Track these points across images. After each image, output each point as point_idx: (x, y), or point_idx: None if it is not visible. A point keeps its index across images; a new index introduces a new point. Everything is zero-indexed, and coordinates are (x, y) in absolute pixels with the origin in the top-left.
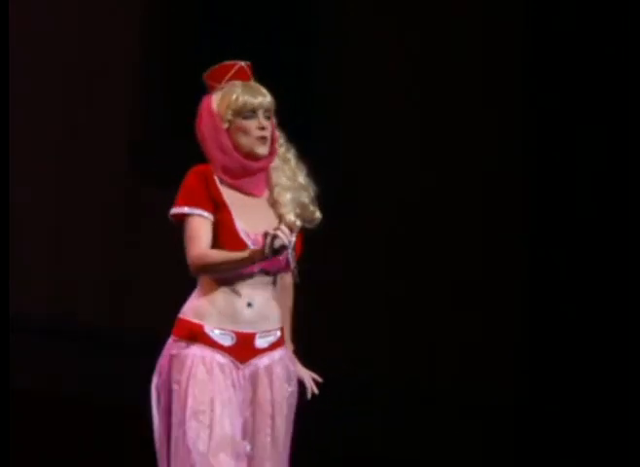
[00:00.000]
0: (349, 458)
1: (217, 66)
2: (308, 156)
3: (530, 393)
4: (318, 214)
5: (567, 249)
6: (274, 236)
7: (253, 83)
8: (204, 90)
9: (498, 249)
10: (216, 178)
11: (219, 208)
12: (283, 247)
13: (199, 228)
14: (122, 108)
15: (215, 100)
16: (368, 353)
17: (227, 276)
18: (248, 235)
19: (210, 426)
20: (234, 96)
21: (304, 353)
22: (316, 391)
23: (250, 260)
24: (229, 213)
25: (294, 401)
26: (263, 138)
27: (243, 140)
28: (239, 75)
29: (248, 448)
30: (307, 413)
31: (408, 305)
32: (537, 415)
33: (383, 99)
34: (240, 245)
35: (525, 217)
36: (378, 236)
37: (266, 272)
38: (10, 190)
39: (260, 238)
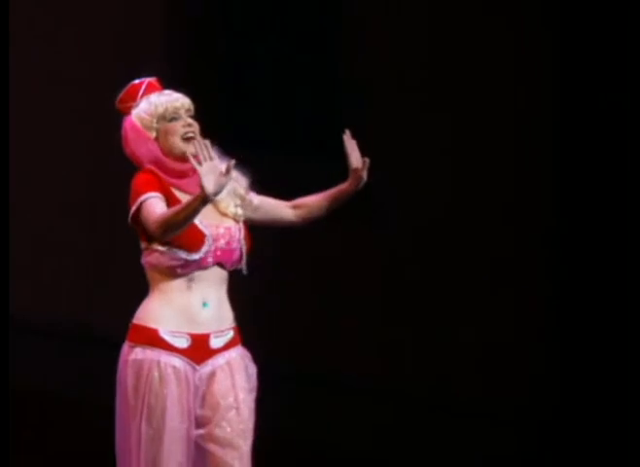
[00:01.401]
0: (349, 458)
1: (126, 89)
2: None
3: (531, 393)
4: (256, 201)
5: (579, 253)
6: (207, 173)
7: (167, 91)
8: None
9: (504, 248)
10: (163, 177)
11: (171, 201)
12: (219, 174)
13: (154, 206)
14: None
15: (136, 116)
16: (367, 353)
17: (181, 276)
18: (205, 226)
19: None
20: (155, 104)
21: (310, 351)
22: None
23: (200, 199)
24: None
25: (252, 402)
26: (191, 138)
27: (172, 142)
28: (151, 89)
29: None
30: (303, 412)
31: (408, 306)
32: (539, 416)
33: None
34: (198, 234)
35: (548, 218)
36: (387, 237)
37: (222, 267)
38: (10, 190)
39: (215, 233)
